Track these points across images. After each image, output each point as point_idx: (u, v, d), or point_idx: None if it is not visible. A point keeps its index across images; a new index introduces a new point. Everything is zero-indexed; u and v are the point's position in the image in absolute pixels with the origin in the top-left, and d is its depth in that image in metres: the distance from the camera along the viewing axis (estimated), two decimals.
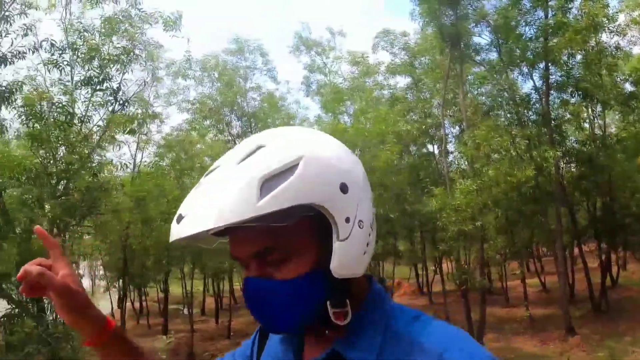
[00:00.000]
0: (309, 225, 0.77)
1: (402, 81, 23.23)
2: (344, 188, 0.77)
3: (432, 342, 0.76)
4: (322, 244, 0.78)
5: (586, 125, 18.00)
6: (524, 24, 16.67)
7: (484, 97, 16.86)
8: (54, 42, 10.41)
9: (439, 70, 15.86)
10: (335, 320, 0.79)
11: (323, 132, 0.88)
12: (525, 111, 16.08)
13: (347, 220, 0.77)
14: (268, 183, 0.72)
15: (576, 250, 20.73)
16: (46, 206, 10.26)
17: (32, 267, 0.85)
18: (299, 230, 0.77)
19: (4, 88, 10.56)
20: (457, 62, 15.18)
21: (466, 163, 14.34)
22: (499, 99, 16.16)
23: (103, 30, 10.99)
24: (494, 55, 16.96)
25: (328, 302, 0.78)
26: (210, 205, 0.73)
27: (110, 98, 10.70)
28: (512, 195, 13.60)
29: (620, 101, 16.23)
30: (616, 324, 15.87)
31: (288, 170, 0.73)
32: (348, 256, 0.78)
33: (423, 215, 14.19)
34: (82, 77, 10.63)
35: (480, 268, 13.53)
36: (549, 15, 15.73)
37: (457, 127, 17.12)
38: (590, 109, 17.53)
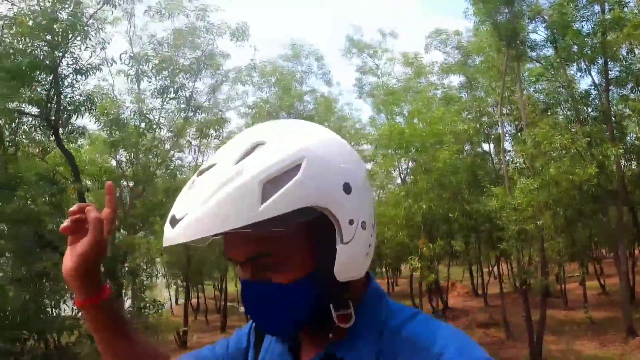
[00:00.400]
0: (307, 228, 0.75)
1: (455, 80, 23.33)
2: (347, 188, 0.74)
3: (430, 342, 0.75)
4: (320, 247, 0.76)
5: None
6: (580, 19, 16.39)
7: (541, 95, 16.64)
8: (131, 55, 11.19)
9: (494, 68, 15.79)
10: (339, 323, 0.77)
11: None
12: (585, 108, 15.80)
13: (351, 222, 0.75)
14: (269, 185, 0.69)
15: (637, 251, 20.11)
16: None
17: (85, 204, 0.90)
18: (296, 234, 0.75)
19: (85, 97, 11.38)
20: (514, 59, 15.11)
21: (524, 162, 14.18)
22: (557, 96, 15.95)
23: (172, 42, 11.70)
24: (550, 52, 16.76)
25: (331, 306, 0.77)
26: (209, 208, 0.70)
27: (184, 105, 11.38)
28: (574, 193, 13.45)
29: None
30: None
31: (290, 171, 0.71)
32: (351, 259, 0.76)
33: (482, 214, 14.17)
34: (156, 87, 11.37)
35: (542, 268, 13.39)
36: (606, 9, 15.40)
37: (514, 126, 16.92)
38: None
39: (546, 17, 16.17)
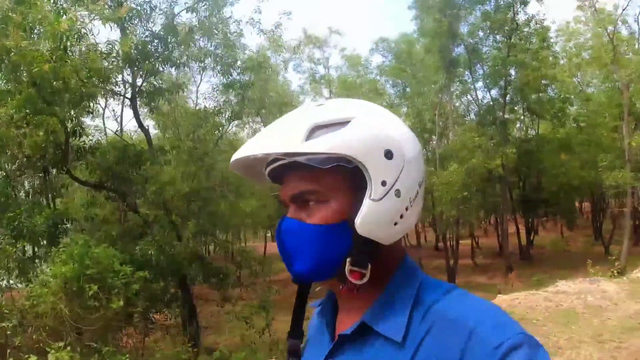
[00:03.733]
0: (346, 181, 0.82)
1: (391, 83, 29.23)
2: (388, 154, 0.80)
3: (463, 316, 0.76)
4: (354, 202, 0.81)
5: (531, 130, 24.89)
6: (489, 47, 22.94)
7: (462, 105, 23.21)
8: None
9: (431, 81, 21.87)
10: (349, 276, 0.81)
11: None
12: (488, 116, 22.55)
13: (383, 183, 0.79)
14: (319, 129, 0.79)
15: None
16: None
17: None
18: (336, 183, 0.82)
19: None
20: (446, 75, 21.13)
21: (452, 152, 20.46)
22: (470, 107, 22.62)
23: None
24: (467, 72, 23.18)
25: (348, 259, 0.81)
26: (264, 137, 0.84)
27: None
28: (481, 176, 20.07)
29: (551, 115, 23.21)
30: (537, 267, 23.13)
31: (338, 124, 0.80)
32: (374, 217, 0.80)
33: None
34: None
35: (456, 224, 19.96)
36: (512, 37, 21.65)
37: (441, 124, 23.25)
38: (529, 119, 24.48)
39: (465, 43, 22.35)
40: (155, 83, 13.06)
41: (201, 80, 18.36)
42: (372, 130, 0.81)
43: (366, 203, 0.79)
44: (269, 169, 0.87)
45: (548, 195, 24.93)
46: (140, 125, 14.11)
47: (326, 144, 0.78)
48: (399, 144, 0.82)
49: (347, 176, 0.81)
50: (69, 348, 6.30)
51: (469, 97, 23.57)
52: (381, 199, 0.80)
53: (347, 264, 0.81)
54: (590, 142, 22.92)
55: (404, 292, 0.84)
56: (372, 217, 0.80)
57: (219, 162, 14.38)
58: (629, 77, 19.38)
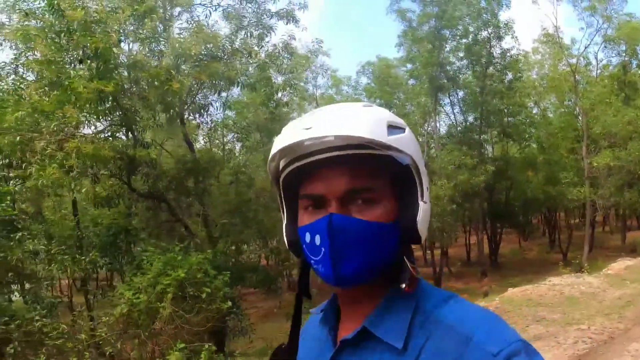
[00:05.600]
0: (394, 182, 0.85)
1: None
2: (425, 164, 0.89)
3: (462, 324, 0.78)
4: (402, 202, 0.84)
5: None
6: (468, 75, 25.67)
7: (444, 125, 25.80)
8: None
9: (421, 106, 24.30)
10: (414, 272, 0.83)
11: None
12: (468, 137, 25.15)
13: (427, 188, 0.85)
14: (391, 128, 0.81)
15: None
16: None
17: None
18: (386, 183, 0.84)
19: None
20: (433, 99, 23.61)
21: (439, 169, 22.79)
22: (453, 129, 25.17)
23: None
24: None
25: (404, 256, 0.84)
26: (345, 121, 0.79)
27: None
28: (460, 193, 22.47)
29: (520, 137, 26.20)
30: (505, 272, 25.78)
31: (400, 128, 0.83)
32: (426, 218, 0.84)
33: None
34: None
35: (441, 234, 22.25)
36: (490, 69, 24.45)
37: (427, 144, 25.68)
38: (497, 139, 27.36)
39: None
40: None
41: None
42: (417, 142, 0.87)
43: (421, 205, 0.83)
44: (308, 160, 0.83)
45: (513, 209, 27.85)
46: (187, 140, 14.71)
47: (404, 144, 0.80)
48: (421, 153, 0.87)
49: (391, 178, 0.84)
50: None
51: (450, 118, 26.22)
52: (428, 202, 0.85)
53: (406, 260, 0.83)
54: (551, 162, 25.92)
55: (405, 299, 0.85)
56: (425, 218, 0.84)
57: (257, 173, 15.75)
58: (588, 106, 22.54)
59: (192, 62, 11.63)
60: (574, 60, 23.74)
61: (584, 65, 25.41)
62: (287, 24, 13.87)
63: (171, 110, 13.45)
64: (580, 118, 27.36)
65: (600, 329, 7.83)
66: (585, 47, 24.55)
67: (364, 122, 0.78)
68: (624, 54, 25.46)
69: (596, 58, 26.42)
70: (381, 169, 0.83)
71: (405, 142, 0.81)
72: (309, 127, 0.78)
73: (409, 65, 25.35)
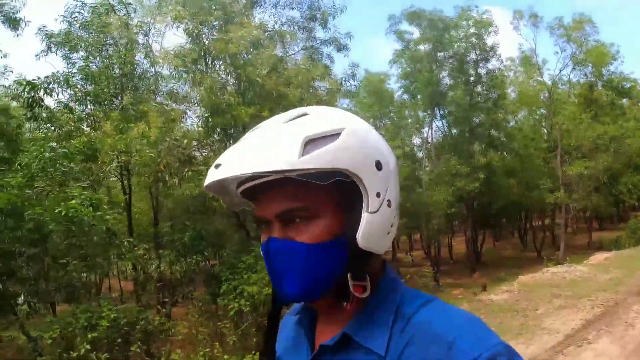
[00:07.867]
0: (337, 195, 0.81)
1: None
2: (378, 165, 0.81)
3: (443, 328, 0.77)
4: (347, 215, 0.81)
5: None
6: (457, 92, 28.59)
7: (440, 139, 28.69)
8: None
9: (417, 119, 27.10)
10: (354, 291, 0.81)
11: None
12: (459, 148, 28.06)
13: (378, 195, 0.80)
14: (312, 143, 0.76)
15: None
16: None
17: None
18: (327, 198, 0.80)
19: None
20: (430, 114, 26.40)
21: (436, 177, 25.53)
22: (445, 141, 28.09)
23: None
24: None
25: (349, 274, 0.81)
26: (253, 149, 0.77)
27: None
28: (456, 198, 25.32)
29: (502, 147, 29.39)
30: (489, 268, 28.79)
31: (331, 136, 0.77)
32: (374, 229, 0.80)
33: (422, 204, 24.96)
34: None
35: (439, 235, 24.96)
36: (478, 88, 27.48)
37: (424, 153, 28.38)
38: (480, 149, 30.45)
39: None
40: None
41: None
42: (363, 142, 0.81)
43: (365, 216, 0.79)
44: (245, 186, 0.84)
45: (492, 212, 31.03)
46: None
47: (323, 159, 0.75)
48: (384, 154, 0.84)
49: (334, 190, 0.80)
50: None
51: (441, 130, 29.18)
52: (377, 210, 0.80)
53: (349, 279, 0.81)
54: (527, 169, 29.14)
55: (385, 304, 0.84)
56: (371, 230, 0.80)
57: None
58: (562, 122, 25.99)
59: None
60: (546, 78, 27.19)
61: (558, 85, 28.97)
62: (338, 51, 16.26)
63: None
64: (545, 130, 31.15)
65: (605, 299, 10.51)
66: (560, 70, 28.02)
67: (273, 151, 0.75)
68: (590, 75, 29.15)
69: (569, 79, 30.02)
70: (318, 184, 0.78)
71: (332, 154, 0.76)
72: (218, 165, 0.78)
73: (402, 81, 28.07)
